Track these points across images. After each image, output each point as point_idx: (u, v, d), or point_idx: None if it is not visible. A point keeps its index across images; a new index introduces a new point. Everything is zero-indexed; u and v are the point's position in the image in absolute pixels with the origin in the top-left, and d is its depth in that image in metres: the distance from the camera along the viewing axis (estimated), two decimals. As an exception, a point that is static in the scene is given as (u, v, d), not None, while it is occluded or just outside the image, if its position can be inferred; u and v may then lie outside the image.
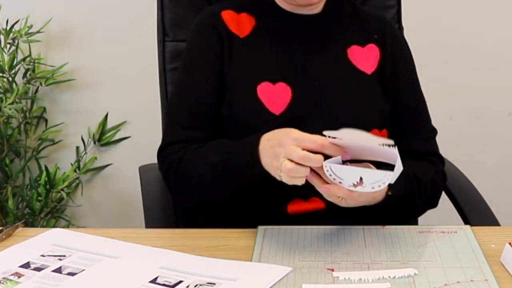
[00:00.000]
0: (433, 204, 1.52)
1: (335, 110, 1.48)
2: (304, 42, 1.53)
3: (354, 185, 1.23)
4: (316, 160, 1.23)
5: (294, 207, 1.45)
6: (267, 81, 1.48)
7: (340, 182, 1.24)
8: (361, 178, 1.22)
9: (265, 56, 1.52)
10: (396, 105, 1.54)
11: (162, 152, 1.51)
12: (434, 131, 1.59)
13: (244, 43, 1.52)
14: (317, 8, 1.55)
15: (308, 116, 1.46)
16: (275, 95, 1.47)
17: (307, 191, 1.43)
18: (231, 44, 1.51)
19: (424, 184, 1.47)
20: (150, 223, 1.54)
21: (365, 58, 1.54)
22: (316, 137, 1.25)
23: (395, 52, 1.56)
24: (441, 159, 1.56)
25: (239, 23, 1.54)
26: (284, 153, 1.26)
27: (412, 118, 1.56)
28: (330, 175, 1.23)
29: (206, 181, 1.42)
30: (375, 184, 1.23)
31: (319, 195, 1.43)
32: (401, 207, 1.42)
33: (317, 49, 1.53)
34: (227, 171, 1.38)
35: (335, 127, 1.43)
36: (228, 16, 1.54)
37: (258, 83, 1.48)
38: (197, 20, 1.57)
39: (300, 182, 1.25)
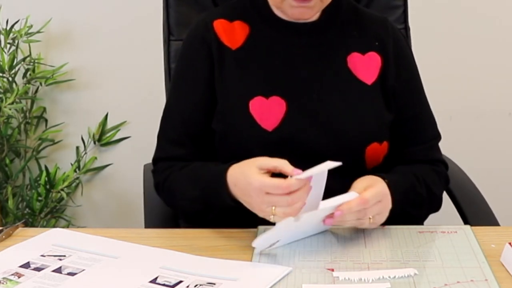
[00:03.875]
0: (436, 206, 1.51)
1: (334, 123, 1.45)
2: (301, 52, 1.48)
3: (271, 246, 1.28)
4: (301, 197, 1.23)
5: None
6: (260, 96, 1.44)
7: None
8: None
9: (258, 68, 1.47)
10: (401, 115, 1.51)
11: (154, 166, 1.53)
12: (438, 138, 1.56)
13: (236, 56, 1.48)
14: (314, 16, 1.49)
15: (304, 130, 1.44)
16: (267, 110, 1.44)
17: None
18: (222, 58, 1.48)
19: (424, 182, 1.46)
20: (150, 223, 1.54)
21: (365, 67, 1.49)
22: (280, 183, 1.23)
23: (398, 61, 1.52)
24: (445, 165, 1.55)
25: (232, 33, 1.49)
26: (267, 202, 1.25)
27: (417, 128, 1.53)
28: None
29: (189, 212, 1.46)
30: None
31: None
32: (405, 205, 1.41)
33: (315, 59, 1.48)
34: (206, 204, 1.39)
35: (333, 141, 1.43)
36: (220, 26, 1.50)
37: (250, 98, 1.44)
38: (188, 32, 1.54)
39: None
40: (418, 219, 1.50)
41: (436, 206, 1.51)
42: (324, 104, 1.46)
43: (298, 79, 1.47)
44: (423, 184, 1.46)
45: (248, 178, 1.27)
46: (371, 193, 1.31)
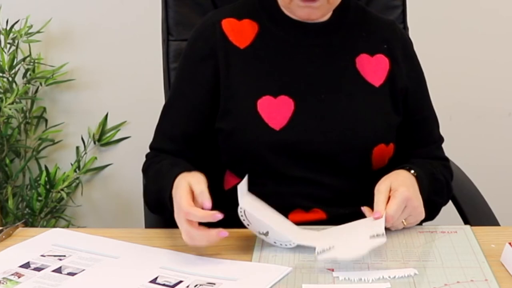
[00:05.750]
0: (449, 196, 1.54)
1: (341, 124, 1.45)
2: (310, 52, 1.48)
3: (259, 233, 1.30)
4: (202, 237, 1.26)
5: (295, 217, 1.44)
6: (268, 95, 1.44)
7: (248, 225, 1.29)
8: (267, 232, 1.29)
9: (267, 67, 1.47)
10: (410, 118, 1.51)
11: (148, 153, 1.57)
12: (442, 139, 1.58)
13: (245, 55, 1.48)
14: (323, 17, 1.49)
15: (312, 130, 1.44)
16: (275, 110, 1.44)
17: (308, 202, 1.43)
18: (230, 57, 1.47)
19: (441, 180, 1.49)
20: (150, 223, 1.55)
21: (373, 69, 1.49)
22: (203, 214, 1.25)
23: (408, 64, 1.52)
24: (447, 160, 1.57)
25: (240, 32, 1.49)
26: (179, 223, 1.28)
27: (425, 130, 1.55)
28: (241, 216, 1.28)
29: (149, 203, 1.50)
30: (277, 241, 1.30)
31: (320, 206, 1.43)
32: (430, 194, 1.44)
33: (324, 60, 1.48)
34: (160, 200, 1.39)
35: (340, 142, 1.44)
36: (228, 25, 1.50)
37: (258, 97, 1.44)
38: (194, 31, 1.54)
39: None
40: (440, 208, 1.52)
41: (449, 195, 1.54)
42: (332, 105, 1.46)
43: (307, 79, 1.47)
44: (439, 171, 1.49)
45: (179, 200, 1.29)
46: (393, 208, 1.33)
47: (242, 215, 1.28)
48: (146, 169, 1.53)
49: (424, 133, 1.55)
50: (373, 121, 1.46)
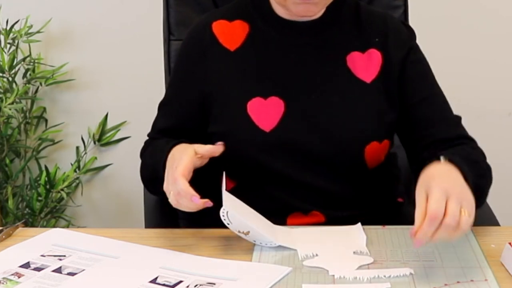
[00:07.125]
0: (491, 177, 1.45)
1: (331, 124, 1.43)
2: (301, 52, 1.47)
3: (239, 232, 1.30)
4: (193, 207, 1.28)
5: (294, 220, 1.44)
6: (258, 97, 1.44)
7: (228, 224, 1.29)
8: (248, 231, 1.29)
9: (257, 69, 1.47)
10: (412, 99, 1.47)
11: (146, 140, 1.60)
12: (458, 117, 1.51)
13: (235, 56, 1.47)
14: (316, 15, 1.48)
15: (302, 131, 1.43)
16: (265, 111, 1.43)
17: (307, 205, 1.43)
18: (220, 60, 1.47)
19: (479, 162, 1.42)
20: (150, 223, 1.55)
21: (365, 65, 1.47)
22: (188, 190, 1.27)
23: (401, 52, 1.48)
24: (473, 140, 1.49)
25: (231, 34, 1.49)
26: (169, 185, 1.30)
27: (431, 108, 1.48)
28: (223, 216, 1.28)
29: (144, 178, 1.52)
30: (257, 240, 1.30)
31: (319, 209, 1.43)
32: (474, 177, 1.31)
33: (315, 59, 1.47)
34: (154, 172, 1.42)
35: (331, 142, 1.43)
36: (219, 27, 1.49)
37: (248, 100, 1.44)
38: (187, 33, 1.55)
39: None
40: (487, 191, 1.43)
41: (491, 176, 1.44)
42: (323, 105, 1.45)
43: (297, 79, 1.46)
44: (473, 154, 1.42)
45: (180, 159, 1.31)
46: (433, 203, 1.16)
47: (223, 215, 1.28)
48: (143, 152, 1.56)
49: (431, 112, 1.48)
50: (364, 119, 1.45)
